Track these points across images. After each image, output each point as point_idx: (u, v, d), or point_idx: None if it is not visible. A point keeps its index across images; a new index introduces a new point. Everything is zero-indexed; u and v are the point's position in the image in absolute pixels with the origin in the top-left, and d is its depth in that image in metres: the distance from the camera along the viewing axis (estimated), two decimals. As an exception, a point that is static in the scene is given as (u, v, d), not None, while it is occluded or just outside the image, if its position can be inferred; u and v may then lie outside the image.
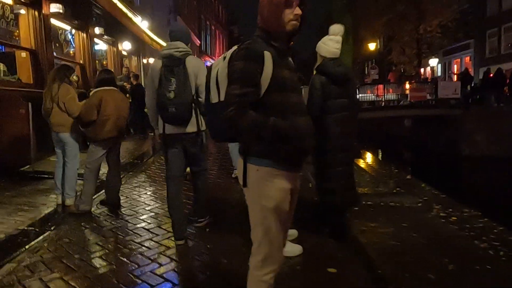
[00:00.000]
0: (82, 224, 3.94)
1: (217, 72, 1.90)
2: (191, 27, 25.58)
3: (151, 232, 3.65)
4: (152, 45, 13.36)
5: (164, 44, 15.37)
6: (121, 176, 4.87)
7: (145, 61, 15.53)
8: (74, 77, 5.40)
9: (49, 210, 4.35)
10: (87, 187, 4.31)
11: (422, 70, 28.60)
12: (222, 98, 1.84)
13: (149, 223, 3.90)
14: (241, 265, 2.23)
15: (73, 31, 10.02)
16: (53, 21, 8.62)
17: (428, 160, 15.63)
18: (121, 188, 4.70)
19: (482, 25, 28.65)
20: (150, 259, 3.07)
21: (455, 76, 28.47)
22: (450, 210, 3.93)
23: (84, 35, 10.13)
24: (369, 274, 2.74)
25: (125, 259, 3.09)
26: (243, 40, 1.79)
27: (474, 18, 28.63)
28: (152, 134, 10.71)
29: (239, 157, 1.81)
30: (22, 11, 7.47)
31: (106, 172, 4.57)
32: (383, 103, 18.70)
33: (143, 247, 3.31)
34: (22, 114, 6.26)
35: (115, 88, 4.44)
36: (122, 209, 4.40)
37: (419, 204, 4.14)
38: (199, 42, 29.07)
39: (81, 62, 10.02)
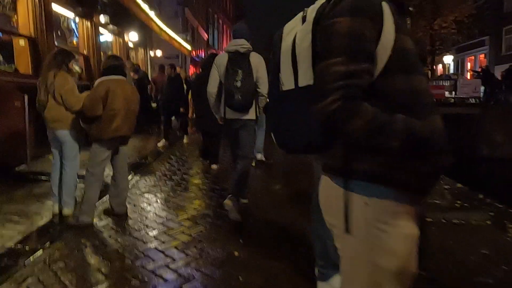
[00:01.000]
0: (82, 241, 3.25)
1: (294, 40, 1.18)
2: (198, 20, 24.88)
3: (166, 255, 2.96)
4: (161, 35, 12.60)
5: (173, 34, 14.70)
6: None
7: (152, 53, 14.81)
8: (77, 67, 4.74)
9: (43, 222, 3.66)
10: (88, 194, 3.63)
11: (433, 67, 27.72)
12: (302, 82, 1.14)
13: (163, 242, 3.20)
14: None
15: (77, 19, 9.32)
16: (55, 7, 7.93)
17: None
18: (128, 194, 4.03)
19: (498, 22, 27.74)
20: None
21: (469, 74, 27.60)
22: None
23: (89, 23, 9.42)
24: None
25: (135, 295, 2.40)
26: None
27: (490, 14, 27.68)
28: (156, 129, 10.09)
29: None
30: (21, -6, 6.79)
31: (109, 174, 3.89)
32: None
33: (158, 278, 2.61)
34: (17, 107, 5.57)
35: (125, 78, 3.75)
36: (130, 221, 3.72)
37: (488, 222, 3.42)
38: (206, 36, 28.33)
39: (85, 53, 9.32)
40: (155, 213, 3.93)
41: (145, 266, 2.78)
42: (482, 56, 30.97)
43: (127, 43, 12.27)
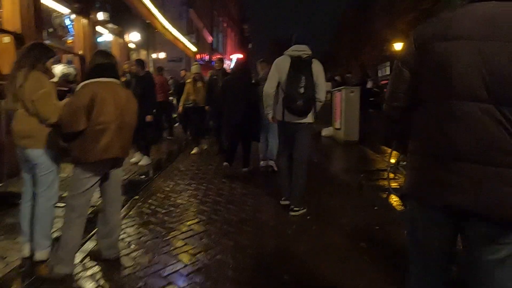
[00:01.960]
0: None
1: None
2: (203, 22, 24.08)
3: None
4: (165, 34, 11.66)
5: (177, 34, 13.82)
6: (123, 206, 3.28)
7: (154, 55, 13.93)
8: (70, 69, 3.80)
9: (7, 271, 2.75)
10: (68, 235, 2.71)
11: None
12: None
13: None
14: None
15: (73, 16, 8.46)
16: (46, 1, 7.10)
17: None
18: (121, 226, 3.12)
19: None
20: None
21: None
22: None
23: (86, 21, 8.57)
24: None
25: None
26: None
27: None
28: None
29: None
30: (5, -16, 5.93)
31: (96, 203, 2.98)
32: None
33: None
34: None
35: (117, 81, 2.85)
36: (124, 271, 2.80)
37: None
38: (211, 38, 27.52)
39: (80, 53, 8.44)
40: (158, 260, 3.00)
41: None
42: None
43: (128, 43, 11.40)
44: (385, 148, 7.88)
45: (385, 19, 27.09)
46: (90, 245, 3.15)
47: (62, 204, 3.06)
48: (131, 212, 4.09)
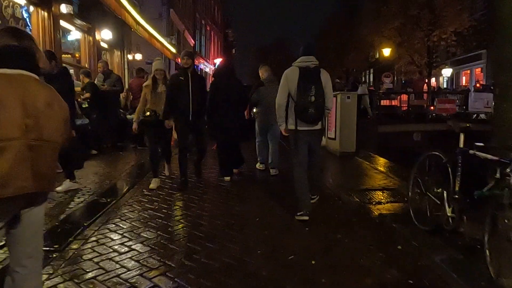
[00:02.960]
0: None
1: None
2: (185, 24, 23.07)
3: None
4: (138, 30, 10.48)
5: (155, 34, 12.75)
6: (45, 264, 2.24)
7: (130, 56, 12.82)
8: None
9: None
10: None
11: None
12: None
13: None
14: None
15: (31, 8, 7.36)
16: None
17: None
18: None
19: (497, 35, 26.73)
20: None
21: (475, 87, 26.44)
22: None
23: (46, 13, 7.47)
24: None
25: None
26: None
27: (488, 27, 26.69)
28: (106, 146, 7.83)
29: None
30: None
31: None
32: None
33: None
34: None
35: (31, 75, 1.83)
36: None
37: None
38: (193, 41, 26.50)
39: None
40: None
41: None
42: (478, 70, 29.98)
43: (99, 42, 10.29)
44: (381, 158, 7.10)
45: (372, 24, 26.60)
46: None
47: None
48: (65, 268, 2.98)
